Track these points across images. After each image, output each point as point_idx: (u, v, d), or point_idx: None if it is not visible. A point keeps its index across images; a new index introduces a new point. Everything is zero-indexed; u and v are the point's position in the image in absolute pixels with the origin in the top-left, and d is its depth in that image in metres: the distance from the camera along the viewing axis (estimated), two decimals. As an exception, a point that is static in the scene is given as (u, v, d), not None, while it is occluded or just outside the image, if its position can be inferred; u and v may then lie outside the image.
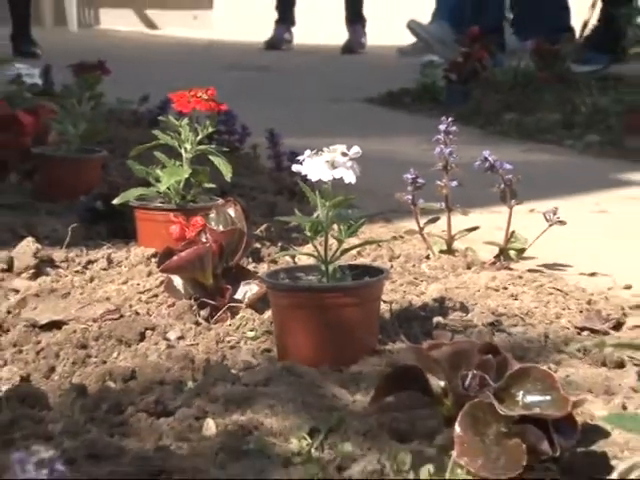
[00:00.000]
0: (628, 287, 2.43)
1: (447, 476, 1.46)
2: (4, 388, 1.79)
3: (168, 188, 2.46)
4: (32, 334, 2.02)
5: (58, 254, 2.47)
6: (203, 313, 2.13)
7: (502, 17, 6.97)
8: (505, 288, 2.33)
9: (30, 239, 2.45)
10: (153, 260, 2.37)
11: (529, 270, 2.51)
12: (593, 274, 2.55)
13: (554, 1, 7.13)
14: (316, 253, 1.95)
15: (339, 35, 7.70)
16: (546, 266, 2.57)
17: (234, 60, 6.69)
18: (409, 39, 7.13)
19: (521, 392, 1.49)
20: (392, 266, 2.45)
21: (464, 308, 2.18)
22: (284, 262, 2.39)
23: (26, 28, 6.84)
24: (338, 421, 1.61)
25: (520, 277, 2.42)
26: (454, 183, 2.55)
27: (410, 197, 2.55)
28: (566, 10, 6.90)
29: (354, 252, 2.34)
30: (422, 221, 2.60)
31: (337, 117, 4.90)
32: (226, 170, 2.46)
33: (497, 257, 2.56)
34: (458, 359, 1.53)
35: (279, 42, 7.64)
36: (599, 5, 6.66)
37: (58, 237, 2.57)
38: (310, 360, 1.88)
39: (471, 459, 1.44)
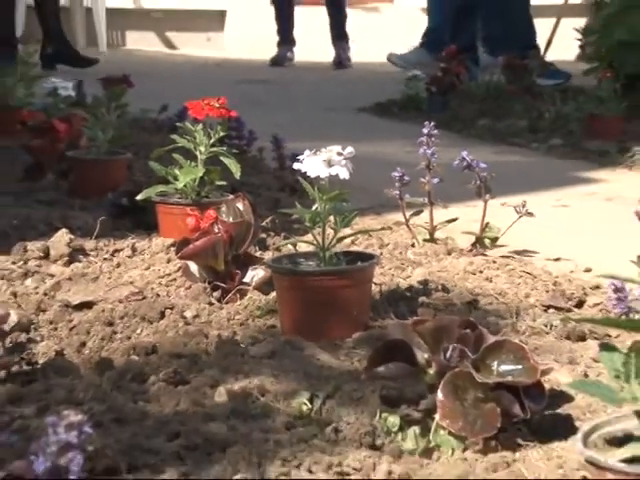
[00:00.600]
0: (588, 270, 2.42)
1: (431, 436, 1.46)
2: (41, 361, 1.78)
3: (185, 185, 2.46)
4: (66, 313, 2.02)
5: (89, 244, 2.47)
6: (215, 294, 2.12)
7: (475, 37, 6.95)
8: (481, 272, 2.33)
9: (64, 230, 2.45)
10: (172, 249, 2.36)
11: (502, 256, 2.50)
12: (557, 259, 2.55)
13: (521, 22, 7.11)
14: (315, 241, 1.95)
15: (330, 52, 7.72)
16: (516, 252, 2.56)
17: (243, 75, 6.68)
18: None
19: (496, 362, 1.49)
20: (381, 253, 2.45)
21: (445, 289, 2.17)
22: (287, 250, 2.38)
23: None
24: (334, 388, 1.61)
25: (494, 262, 2.42)
26: (436, 180, 2.55)
27: (397, 193, 2.55)
28: (532, 30, 6.87)
29: (348, 241, 2.34)
30: (408, 214, 2.60)
31: (332, 124, 4.89)
32: (235, 169, 2.47)
33: (474, 245, 2.56)
34: (440, 334, 1.52)
35: (282, 60, 7.64)
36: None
37: (89, 229, 2.56)
38: (310, 335, 1.87)
39: (452, 421, 1.44)
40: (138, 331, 1.95)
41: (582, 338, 1.93)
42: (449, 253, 2.49)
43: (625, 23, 4.61)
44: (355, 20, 7.88)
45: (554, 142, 4.36)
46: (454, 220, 2.61)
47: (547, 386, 1.54)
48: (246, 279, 2.13)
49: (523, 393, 1.45)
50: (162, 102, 4.13)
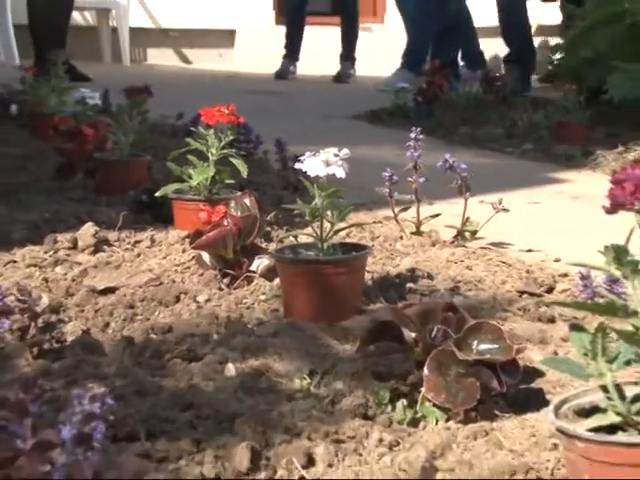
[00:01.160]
0: (557, 260, 2.41)
1: (417, 408, 1.45)
2: (69, 339, 1.76)
3: (198, 183, 2.45)
4: (91, 297, 2.00)
5: (112, 235, 2.45)
6: (225, 281, 2.11)
7: (457, 53, 6.95)
8: (462, 261, 2.32)
9: (91, 224, 2.44)
10: (186, 240, 2.35)
11: (480, 247, 2.49)
12: (530, 250, 2.53)
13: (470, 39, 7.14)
14: (314, 234, 1.94)
15: (331, 68, 7.71)
16: (493, 244, 2.55)
17: (250, 87, 6.66)
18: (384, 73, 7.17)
19: (475, 342, 1.48)
20: (373, 244, 2.44)
21: (430, 276, 2.17)
22: (289, 241, 2.36)
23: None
24: (331, 365, 1.60)
25: (473, 252, 2.41)
26: (422, 180, 2.55)
27: (387, 191, 2.55)
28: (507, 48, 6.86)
29: (343, 233, 2.33)
30: (397, 209, 2.59)
31: (330, 129, 4.88)
32: (243, 170, 2.46)
33: (455, 237, 2.55)
34: (426, 316, 1.52)
35: (285, 73, 7.62)
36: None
37: (112, 222, 2.55)
38: (309, 317, 1.86)
39: (436, 394, 1.44)
40: (156, 313, 1.94)
41: (552, 320, 1.92)
42: (433, 244, 2.48)
43: (589, 43, 4.61)
44: (351, 38, 7.87)
45: (526, 147, 4.36)
46: (438, 215, 2.61)
47: (521, 363, 1.53)
48: (252, 267, 2.12)
49: (500, 369, 1.45)
50: (178, 110, 4.12)
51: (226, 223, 2.13)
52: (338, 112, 5.52)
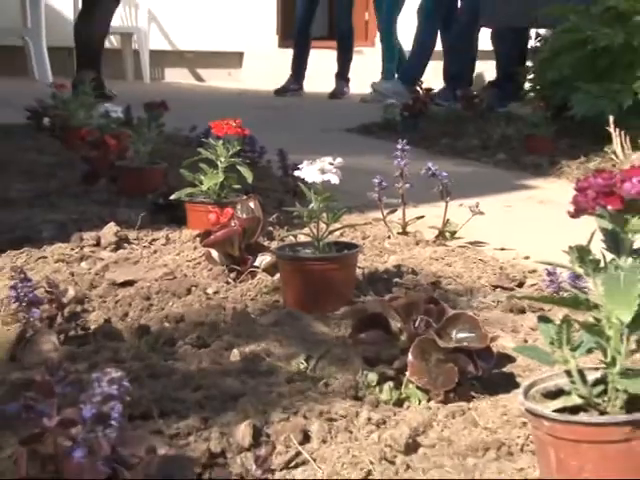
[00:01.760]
0: (527, 258, 2.39)
1: (402, 389, 1.43)
2: (92, 327, 1.75)
3: (208, 188, 2.44)
4: (112, 289, 1.99)
5: (132, 234, 2.44)
6: (232, 275, 2.09)
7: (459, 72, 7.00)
8: (442, 258, 2.31)
9: (112, 224, 2.42)
10: (197, 238, 2.34)
11: (459, 246, 2.48)
12: (503, 249, 2.52)
13: (474, 62, 7.14)
14: (311, 234, 1.92)
15: (327, 86, 7.69)
16: (471, 243, 2.54)
17: (256, 103, 6.64)
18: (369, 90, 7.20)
19: (454, 331, 1.47)
20: (364, 243, 2.43)
21: (414, 272, 2.15)
22: (289, 240, 2.35)
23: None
24: (325, 351, 1.59)
25: (453, 251, 2.39)
26: (407, 186, 2.54)
27: (377, 195, 2.54)
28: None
29: (337, 233, 2.32)
30: (385, 212, 2.58)
31: (326, 141, 4.86)
32: (248, 176, 2.45)
33: (437, 237, 2.54)
34: (410, 308, 1.51)
35: (286, 90, 7.62)
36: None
37: (132, 222, 2.54)
38: (306, 308, 1.85)
39: (419, 377, 1.42)
40: (170, 304, 1.92)
41: (522, 311, 1.91)
42: (417, 243, 2.47)
43: (555, 66, 4.60)
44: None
45: (500, 157, 4.35)
46: (422, 217, 2.60)
47: (495, 350, 1.52)
48: (256, 263, 2.11)
49: (476, 355, 1.44)
50: (192, 123, 4.09)
51: (233, 224, 2.12)
52: (333, 125, 5.50)
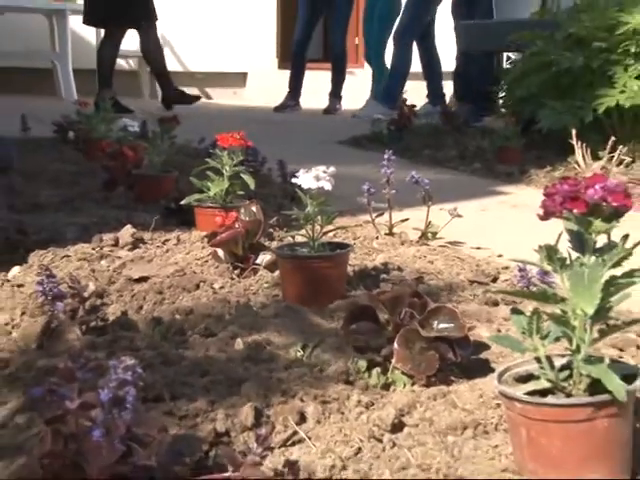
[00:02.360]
0: (500, 256, 2.38)
1: (389, 375, 1.42)
2: (111, 319, 1.73)
3: (215, 194, 2.42)
4: (129, 285, 1.97)
5: (146, 235, 2.42)
6: (236, 272, 2.08)
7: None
8: (425, 256, 2.29)
9: (129, 226, 2.41)
10: (205, 239, 2.32)
11: (440, 245, 2.46)
12: (479, 248, 2.51)
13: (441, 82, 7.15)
14: (307, 234, 1.91)
15: (320, 103, 7.68)
16: (450, 243, 2.52)
17: (258, 117, 6.63)
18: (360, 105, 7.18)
19: (435, 322, 1.46)
20: (354, 243, 2.41)
21: (400, 269, 2.14)
22: (287, 240, 2.33)
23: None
24: (320, 340, 1.58)
25: (434, 250, 2.38)
26: (393, 192, 2.52)
27: (366, 200, 2.52)
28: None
29: (331, 234, 2.30)
30: (373, 215, 2.56)
31: (321, 152, 4.84)
32: (251, 183, 2.43)
33: (420, 237, 2.53)
34: (396, 301, 1.49)
35: (284, 107, 7.60)
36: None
37: (147, 225, 2.52)
38: (303, 302, 1.83)
39: (404, 364, 1.41)
40: (180, 298, 1.90)
41: (496, 304, 1.90)
42: (402, 243, 2.46)
43: (523, 85, 4.61)
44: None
45: (476, 166, 4.34)
46: (406, 220, 2.58)
47: (472, 338, 1.51)
48: (258, 261, 2.09)
49: (455, 343, 1.43)
50: (200, 135, 4.07)
51: (237, 226, 2.10)
52: (327, 138, 5.49)
